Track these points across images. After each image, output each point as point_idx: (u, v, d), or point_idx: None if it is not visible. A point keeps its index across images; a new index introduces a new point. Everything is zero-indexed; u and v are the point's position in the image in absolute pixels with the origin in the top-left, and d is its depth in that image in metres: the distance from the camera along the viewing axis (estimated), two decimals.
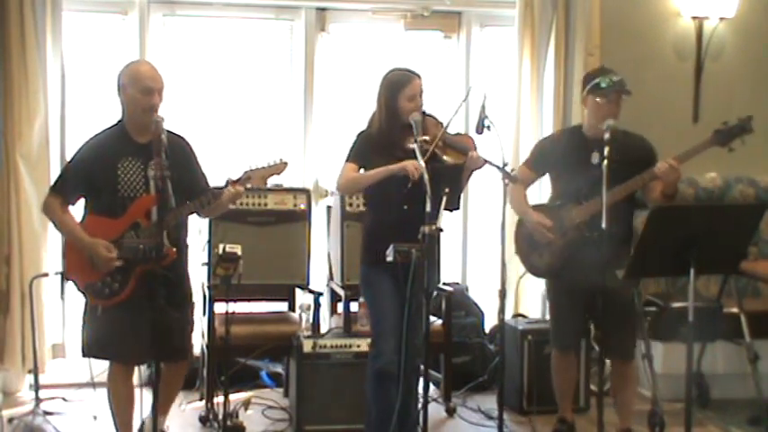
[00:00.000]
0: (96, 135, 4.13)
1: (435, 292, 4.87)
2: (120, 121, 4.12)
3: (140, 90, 3.97)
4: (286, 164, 4.09)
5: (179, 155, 4.06)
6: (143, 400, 4.07)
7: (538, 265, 4.65)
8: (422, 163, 3.90)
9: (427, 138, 4.06)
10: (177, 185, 3.90)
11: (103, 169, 3.99)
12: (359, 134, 4.27)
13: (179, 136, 4.19)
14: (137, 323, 3.84)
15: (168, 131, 4.02)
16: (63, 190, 4.08)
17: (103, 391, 4.30)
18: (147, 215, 3.98)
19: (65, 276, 4.09)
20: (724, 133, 4.27)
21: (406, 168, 3.98)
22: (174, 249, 3.97)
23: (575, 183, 4.45)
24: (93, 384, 4.29)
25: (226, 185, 4.04)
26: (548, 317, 5.44)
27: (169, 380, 4.19)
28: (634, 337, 4.57)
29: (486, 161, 4.12)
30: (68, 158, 4.17)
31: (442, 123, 4.17)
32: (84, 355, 4.20)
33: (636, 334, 4.61)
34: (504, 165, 4.05)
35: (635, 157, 4.30)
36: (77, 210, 4.14)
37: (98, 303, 4.04)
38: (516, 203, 4.59)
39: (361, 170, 4.20)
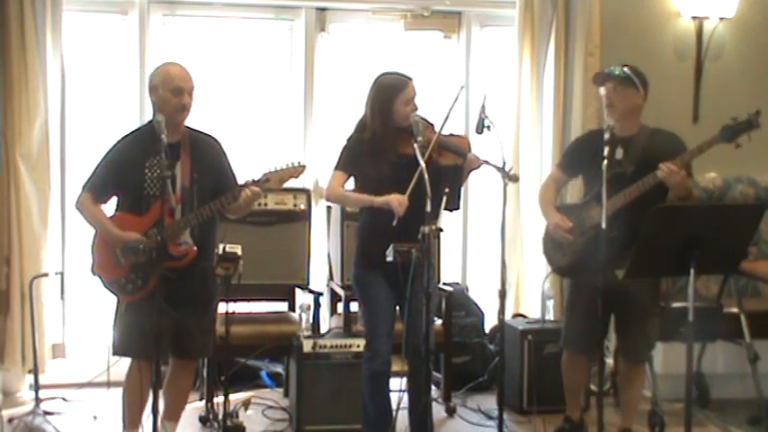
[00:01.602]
0: (127, 135, 4.20)
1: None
2: (150, 122, 4.16)
3: (171, 90, 4.03)
4: (305, 167, 4.12)
5: (206, 154, 4.14)
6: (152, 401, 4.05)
7: (561, 264, 4.62)
8: (422, 163, 3.89)
9: (421, 139, 4.05)
10: (203, 185, 4.01)
11: (132, 168, 4.05)
12: (348, 139, 4.25)
13: (209, 135, 4.25)
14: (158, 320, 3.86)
15: (197, 131, 4.15)
16: (94, 188, 4.12)
17: (103, 391, 4.31)
18: (171, 213, 4.01)
19: (92, 272, 4.13)
20: (732, 129, 4.21)
21: (390, 204, 3.98)
22: (196, 248, 4.03)
23: (599, 179, 4.39)
24: (107, 384, 4.29)
25: (244, 186, 4.07)
26: (548, 317, 5.46)
27: (179, 374, 4.25)
28: (648, 341, 4.51)
29: (483, 161, 4.11)
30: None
31: (433, 126, 4.16)
32: (114, 353, 4.22)
33: (652, 337, 4.53)
34: (504, 164, 4.05)
35: (662, 155, 4.21)
36: (109, 207, 4.18)
37: (122, 299, 4.10)
38: (541, 203, 4.60)
39: (351, 178, 4.22)
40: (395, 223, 3.95)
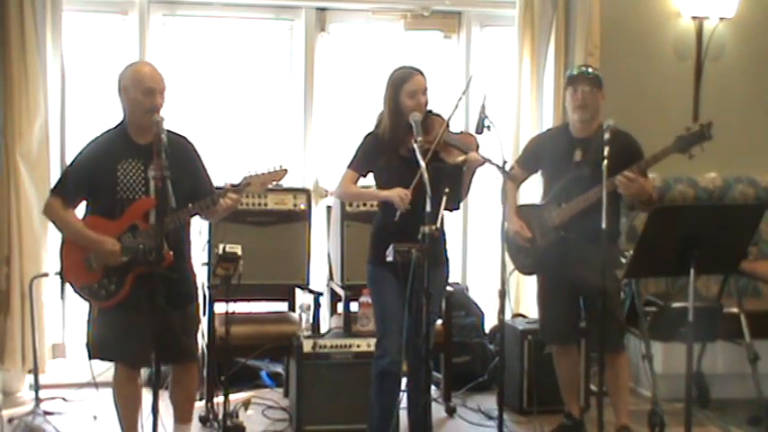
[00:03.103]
0: (97, 137, 4.10)
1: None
2: (121, 123, 4.09)
3: (142, 92, 3.94)
4: (286, 171, 4.08)
5: (181, 156, 4.02)
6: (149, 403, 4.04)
7: (524, 263, 4.71)
8: (422, 164, 3.90)
9: (429, 138, 4.07)
10: (178, 187, 3.85)
11: (104, 171, 3.96)
12: (365, 136, 4.27)
13: (182, 136, 4.15)
14: (137, 324, 3.83)
15: (171, 132, 4.00)
16: (63, 192, 4.04)
17: (104, 391, 4.30)
18: (145, 217, 3.96)
19: (61, 277, 4.08)
20: (685, 140, 4.26)
21: (392, 199, 4.01)
22: (172, 253, 3.93)
23: (558, 181, 4.50)
24: (95, 384, 4.28)
25: (224, 190, 4.02)
26: None
27: (179, 380, 4.20)
28: (619, 331, 4.53)
29: (486, 160, 4.12)
30: (69, 160, 4.15)
31: (447, 122, 4.17)
32: (89, 357, 4.18)
33: (621, 327, 4.59)
34: (504, 163, 4.06)
35: (619, 156, 4.23)
36: (79, 212, 4.12)
37: (94, 305, 4.04)
38: (504, 202, 4.63)
39: (363, 177, 4.23)
40: (396, 218, 3.98)
